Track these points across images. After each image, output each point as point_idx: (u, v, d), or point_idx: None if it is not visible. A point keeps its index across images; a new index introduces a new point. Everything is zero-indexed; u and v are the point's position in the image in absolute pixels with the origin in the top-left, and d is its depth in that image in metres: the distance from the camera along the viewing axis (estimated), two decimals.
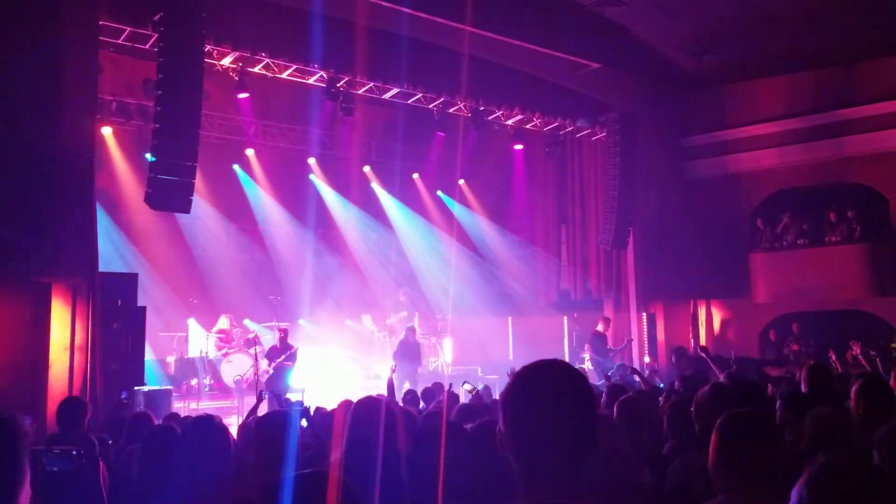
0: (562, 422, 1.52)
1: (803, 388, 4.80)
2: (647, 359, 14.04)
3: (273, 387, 10.08)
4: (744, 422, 2.47)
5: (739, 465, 2.36)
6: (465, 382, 7.48)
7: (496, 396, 7.20)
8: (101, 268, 9.02)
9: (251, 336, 13.10)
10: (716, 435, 2.47)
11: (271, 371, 11.01)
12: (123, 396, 7.01)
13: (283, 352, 11.16)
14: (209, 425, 2.98)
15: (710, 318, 15.10)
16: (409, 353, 12.66)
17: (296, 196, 15.49)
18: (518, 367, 1.67)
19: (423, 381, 11.79)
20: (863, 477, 1.64)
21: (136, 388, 8.96)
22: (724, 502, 2.35)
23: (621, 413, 3.82)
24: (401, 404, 6.47)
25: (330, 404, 9.15)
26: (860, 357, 9.32)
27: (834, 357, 9.15)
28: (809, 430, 3.36)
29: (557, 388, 1.56)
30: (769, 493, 2.31)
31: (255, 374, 11.46)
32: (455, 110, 13.91)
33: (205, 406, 11.06)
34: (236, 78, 11.37)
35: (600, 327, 13.78)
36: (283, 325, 12.37)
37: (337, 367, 13.60)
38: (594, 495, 1.55)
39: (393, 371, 7.69)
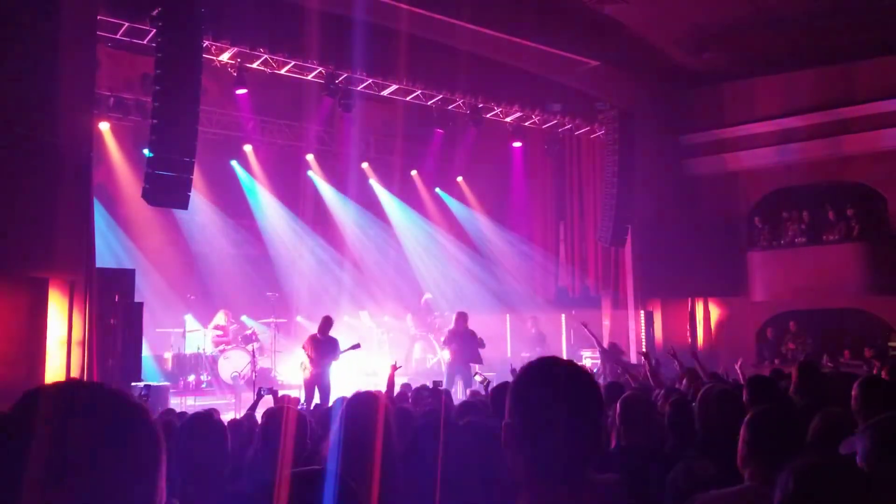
0: (574, 420, 1.52)
1: (792, 389, 4.82)
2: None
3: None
4: (775, 417, 2.53)
5: (770, 458, 2.41)
6: (476, 373, 7.47)
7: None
8: (99, 263, 9.00)
9: (249, 332, 13.10)
10: (748, 430, 2.51)
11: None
12: (143, 392, 6.95)
13: (329, 343, 10.11)
14: (207, 421, 2.97)
15: (708, 316, 15.11)
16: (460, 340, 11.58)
17: (294, 192, 15.48)
18: (517, 367, 1.66)
19: (422, 378, 11.76)
20: (847, 479, 1.65)
21: (133, 383, 8.95)
22: (753, 488, 2.40)
23: (624, 411, 3.81)
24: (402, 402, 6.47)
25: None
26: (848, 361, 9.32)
27: (826, 360, 9.17)
28: (817, 428, 3.37)
29: (570, 385, 1.55)
30: None
31: (253, 370, 11.44)
32: (454, 107, 13.90)
33: (202, 402, 11.04)
34: (235, 73, 11.34)
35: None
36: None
37: (334, 364, 13.58)
38: (598, 497, 1.54)
39: (394, 369, 7.57)
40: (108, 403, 1.11)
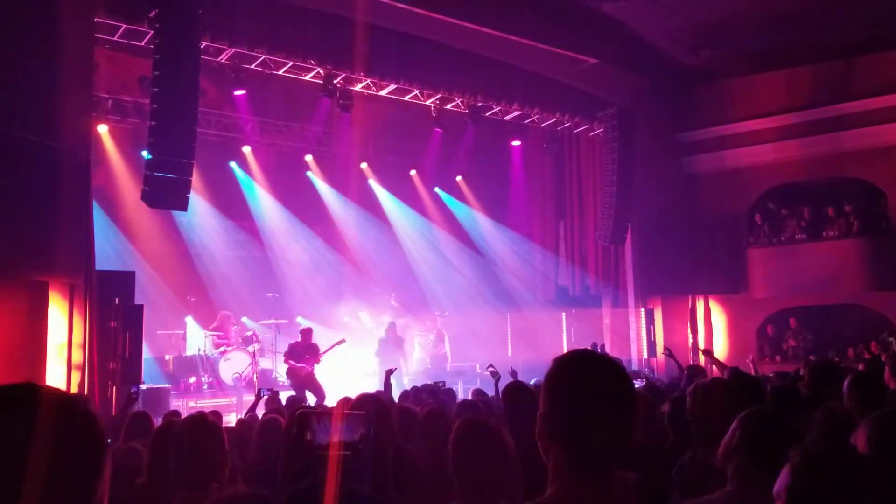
0: (607, 413, 1.53)
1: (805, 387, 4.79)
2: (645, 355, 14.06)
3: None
4: (772, 422, 2.50)
5: (761, 461, 2.38)
6: (490, 366, 7.54)
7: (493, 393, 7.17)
8: (98, 266, 8.99)
9: (249, 334, 13.08)
10: (742, 429, 2.48)
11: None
12: (133, 391, 6.97)
13: (309, 348, 10.66)
14: (202, 424, 2.96)
15: (709, 314, 15.10)
16: (389, 348, 12.88)
17: (293, 193, 15.45)
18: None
19: (422, 378, 11.77)
20: (848, 465, 1.64)
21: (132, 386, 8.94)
22: (734, 494, 2.36)
23: None
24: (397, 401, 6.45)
25: (328, 401, 9.12)
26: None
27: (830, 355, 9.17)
28: (820, 425, 3.36)
29: (604, 378, 1.56)
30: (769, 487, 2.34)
31: (254, 371, 11.43)
32: (453, 106, 13.88)
33: (203, 404, 11.03)
34: (233, 74, 11.33)
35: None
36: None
37: (334, 365, 13.58)
38: (624, 492, 1.55)
39: (391, 371, 7.67)
40: (46, 407, 1.14)
